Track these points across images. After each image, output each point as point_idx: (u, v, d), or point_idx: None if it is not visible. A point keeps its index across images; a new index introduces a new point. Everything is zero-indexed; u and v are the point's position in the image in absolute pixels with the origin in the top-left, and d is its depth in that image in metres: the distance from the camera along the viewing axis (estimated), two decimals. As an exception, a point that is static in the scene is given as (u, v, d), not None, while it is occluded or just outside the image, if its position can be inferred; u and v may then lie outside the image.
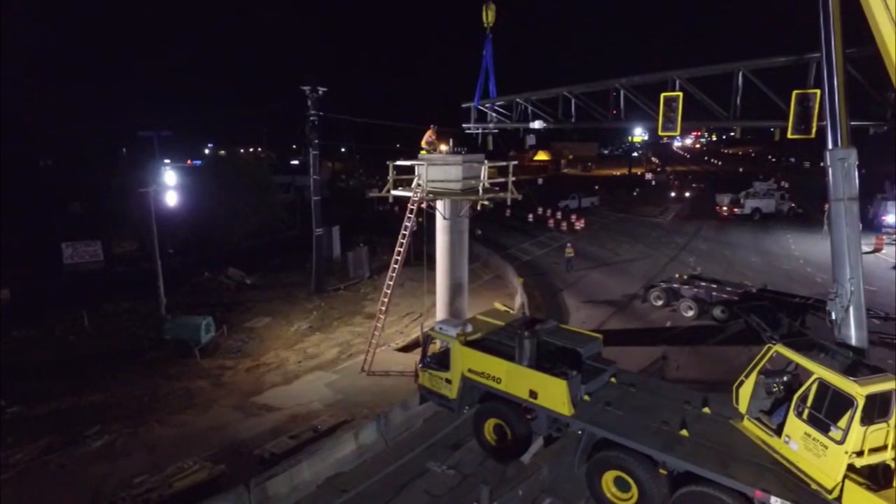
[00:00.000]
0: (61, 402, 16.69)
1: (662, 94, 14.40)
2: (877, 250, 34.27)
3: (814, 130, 10.12)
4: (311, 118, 26.03)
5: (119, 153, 64.17)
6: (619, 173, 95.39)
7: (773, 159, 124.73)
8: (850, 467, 8.35)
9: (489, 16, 18.34)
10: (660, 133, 14.68)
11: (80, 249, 32.70)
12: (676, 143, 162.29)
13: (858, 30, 8.56)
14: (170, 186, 24.83)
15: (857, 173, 9.86)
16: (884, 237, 36.18)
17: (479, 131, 20.28)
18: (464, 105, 20.38)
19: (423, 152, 18.90)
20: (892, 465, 8.40)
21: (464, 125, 20.53)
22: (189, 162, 74.73)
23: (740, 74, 13.81)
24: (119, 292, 26.83)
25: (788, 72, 13.03)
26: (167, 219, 30.14)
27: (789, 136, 12.46)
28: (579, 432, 11.40)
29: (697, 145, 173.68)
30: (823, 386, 8.78)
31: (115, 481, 12.58)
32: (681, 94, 14.25)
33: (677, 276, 24.74)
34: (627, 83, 15.88)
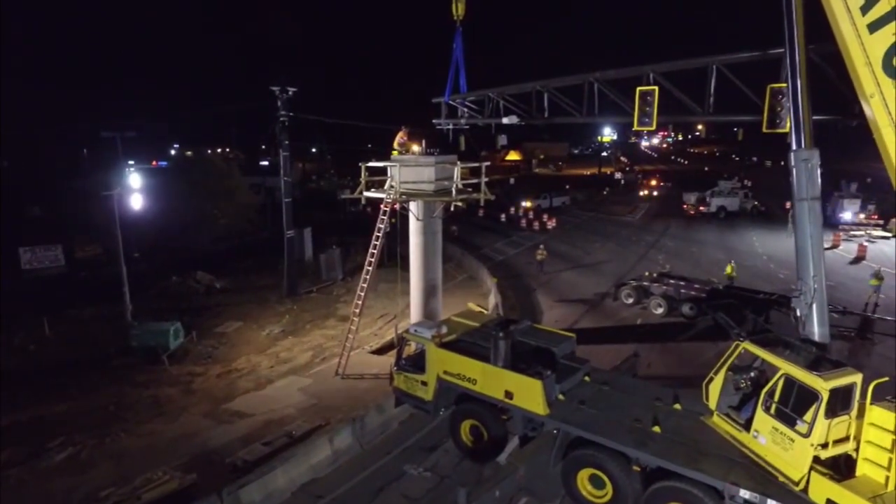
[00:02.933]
0: (21, 413, 16.06)
1: (638, 88, 14.45)
2: (834, 247, 35.54)
3: (789, 126, 10.35)
4: (282, 118, 25.66)
5: (80, 155, 62.30)
6: (589, 173, 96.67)
7: (737, 158, 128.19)
8: (816, 459, 8.61)
9: (459, 9, 18.27)
10: (635, 127, 14.74)
11: (39, 254, 31.54)
12: (644, 143, 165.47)
13: (828, 25, 8.76)
14: (134, 189, 24.16)
15: (819, 173, 10.16)
16: (841, 234, 37.56)
17: (450, 127, 20.14)
18: (434, 100, 20.15)
19: (395, 153, 18.82)
20: (854, 455, 8.70)
21: (434, 121, 20.36)
22: (154, 163, 73.09)
23: (714, 69, 13.90)
24: (82, 298, 25.98)
25: (763, 67, 13.20)
26: (132, 222, 29.32)
27: (764, 130, 12.65)
28: (554, 431, 11.51)
29: (664, 145, 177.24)
30: (789, 381, 9.03)
31: (79, 495, 12.18)
32: (656, 87, 14.32)
33: (647, 273, 25.21)
34: (602, 77, 15.81)
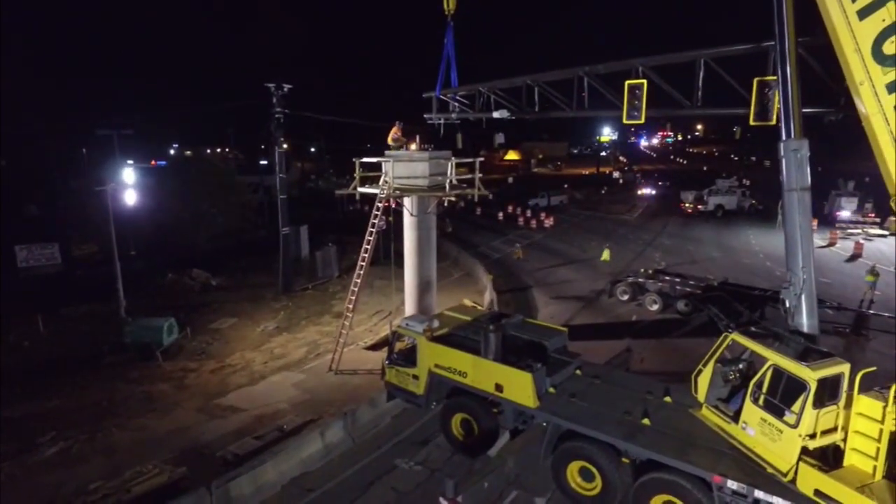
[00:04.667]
0: (14, 409, 16.00)
1: (627, 82, 14.45)
2: (831, 245, 35.52)
3: (775, 118, 10.28)
4: (277, 116, 25.65)
5: (79, 154, 62.24)
6: (587, 172, 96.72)
7: (735, 158, 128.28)
8: (804, 450, 8.57)
9: (450, 3, 18.23)
10: (624, 121, 14.70)
11: (35, 252, 31.46)
12: (643, 143, 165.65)
13: (815, 18, 8.74)
14: (128, 185, 24.12)
15: (809, 164, 10.13)
16: (838, 232, 37.56)
17: (441, 121, 20.09)
18: (425, 95, 20.07)
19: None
20: (842, 445, 8.66)
21: (425, 115, 20.29)
22: (153, 163, 72.91)
23: (702, 63, 13.87)
24: (78, 296, 25.89)
25: (750, 60, 13.19)
26: (130, 220, 29.30)
27: (751, 122, 12.67)
28: (544, 424, 11.47)
29: (664, 144, 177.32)
30: (778, 372, 9.00)
31: (69, 489, 12.12)
32: (644, 81, 14.30)
33: (642, 270, 25.17)
34: (591, 71, 15.78)
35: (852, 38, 8.12)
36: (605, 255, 30.08)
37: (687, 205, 50.72)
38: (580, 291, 26.34)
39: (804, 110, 10.25)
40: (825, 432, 8.65)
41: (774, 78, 11.38)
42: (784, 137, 10.11)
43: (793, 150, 10.01)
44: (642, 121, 14.43)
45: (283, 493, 11.77)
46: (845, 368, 8.77)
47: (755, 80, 12.39)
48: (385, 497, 11.63)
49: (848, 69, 8.33)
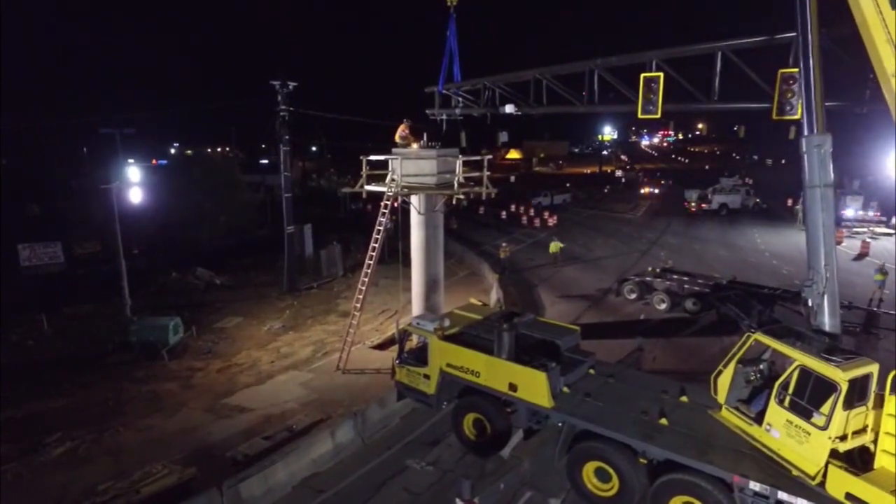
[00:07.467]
0: (18, 409, 15.84)
1: (642, 75, 14.07)
2: (837, 243, 35.28)
3: (800, 112, 9.99)
4: (282, 113, 25.46)
5: (80, 153, 62.09)
6: (589, 171, 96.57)
7: (737, 157, 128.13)
8: (833, 452, 8.37)
9: None
10: (640, 115, 14.26)
11: (38, 251, 31.22)
12: (644, 142, 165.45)
13: (839, 5, 8.52)
14: (133, 183, 23.94)
15: (831, 160, 9.92)
16: (843, 231, 37.33)
17: (443, 117, 19.73)
18: (426, 90, 19.64)
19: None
20: (872, 447, 8.48)
21: (427, 111, 19.89)
22: (154, 162, 72.78)
23: (720, 55, 13.47)
24: (81, 294, 25.75)
25: (770, 54, 12.83)
26: (132, 219, 29.08)
27: (773, 117, 12.34)
28: (559, 424, 11.30)
29: (665, 144, 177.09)
30: (805, 372, 8.79)
31: (77, 490, 11.95)
32: (661, 73, 13.92)
33: (649, 269, 24.98)
34: (604, 64, 15.33)
35: (884, 28, 7.90)
36: (554, 246, 29.48)
37: (691, 203, 50.50)
38: (586, 290, 26.16)
39: (829, 103, 10.02)
40: (855, 434, 8.46)
41: (799, 68, 11.10)
42: (806, 132, 9.89)
43: (816, 146, 9.79)
44: (658, 115, 14.01)
45: (294, 493, 11.60)
46: (874, 369, 8.59)
47: (778, 73, 12.06)
48: (397, 498, 11.46)
49: (878, 60, 8.12)
